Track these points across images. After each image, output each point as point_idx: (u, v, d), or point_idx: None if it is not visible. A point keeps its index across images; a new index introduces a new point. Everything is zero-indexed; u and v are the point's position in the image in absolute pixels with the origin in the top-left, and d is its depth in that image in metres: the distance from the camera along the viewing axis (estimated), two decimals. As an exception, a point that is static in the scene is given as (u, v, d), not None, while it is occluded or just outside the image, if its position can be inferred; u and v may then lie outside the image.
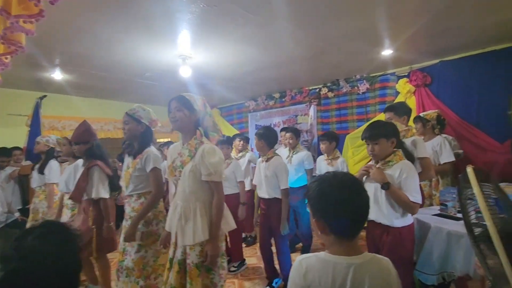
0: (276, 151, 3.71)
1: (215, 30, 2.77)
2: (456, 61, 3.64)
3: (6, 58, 1.80)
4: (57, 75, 3.90)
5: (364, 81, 4.44)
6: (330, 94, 4.87)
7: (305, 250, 3.58)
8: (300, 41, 3.08)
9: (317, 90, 5.04)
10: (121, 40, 2.92)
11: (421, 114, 3.13)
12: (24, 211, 4.02)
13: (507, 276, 0.79)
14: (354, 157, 4.52)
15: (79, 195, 2.31)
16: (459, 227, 1.81)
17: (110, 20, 2.51)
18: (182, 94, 1.70)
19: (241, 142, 3.88)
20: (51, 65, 3.61)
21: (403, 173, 1.66)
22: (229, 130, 6.46)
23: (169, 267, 1.67)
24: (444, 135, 3.02)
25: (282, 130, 4.05)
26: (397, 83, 4.11)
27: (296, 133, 3.61)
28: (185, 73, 3.46)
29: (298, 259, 0.92)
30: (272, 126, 5.72)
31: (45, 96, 4.78)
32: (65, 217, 2.68)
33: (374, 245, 1.79)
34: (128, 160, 2.14)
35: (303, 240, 3.63)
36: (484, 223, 0.87)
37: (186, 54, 3.31)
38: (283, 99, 5.58)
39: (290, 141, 3.49)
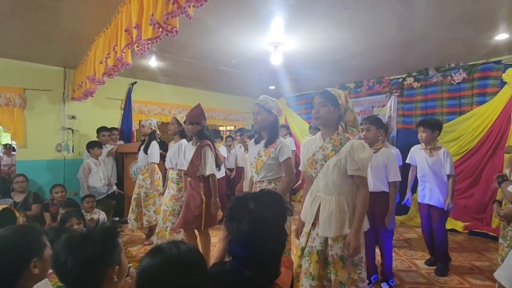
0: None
1: (316, 13, 2.70)
2: None
3: (151, 43, 1.99)
4: (153, 62, 4.22)
5: (461, 70, 4.04)
6: (415, 84, 4.54)
7: None
8: (404, 26, 2.90)
9: (400, 80, 4.74)
10: (221, 28, 3.02)
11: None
12: (119, 186, 4.52)
13: None
14: (441, 152, 4.18)
15: (193, 171, 2.51)
16: None
17: (218, 7, 2.56)
18: (326, 89, 1.68)
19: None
20: (149, 52, 3.90)
21: None
22: (296, 120, 6.45)
23: (300, 254, 1.70)
24: None
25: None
26: (503, 72, 3.67)
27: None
28: (276, 60, 3.49)
29: None
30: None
31: (135, 82, 5.24)
32: (172, 191, 2.92)
33: None
34: (257, 148, 2.24)
35: None
36: None
37: (279, 40, 3.33)
38: (359, 90, 5.36)
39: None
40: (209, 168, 2.48)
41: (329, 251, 1.59)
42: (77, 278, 0.86)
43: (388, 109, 4.90)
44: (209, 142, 2.57)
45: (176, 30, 1.71)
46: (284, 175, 2.21)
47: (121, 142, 4.93)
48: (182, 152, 2.86)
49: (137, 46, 2.06)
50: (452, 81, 4.14)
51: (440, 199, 2.75)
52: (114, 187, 4.39)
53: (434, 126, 2.77)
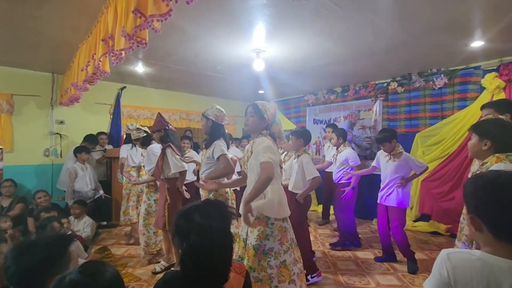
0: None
1: (294, 23, 2.78)
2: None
3: (125, 53, 2.04)
4: (139, 68, 4.28)
5: (442, 75, 4.12)
6: (399, 89, 4.61)
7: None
8: (381, 34, 2.97)
9: (385, 84, 4.81)
10: (204, 35, 3.08)
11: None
12: (106, 190, 4.55)
13: None
14: (424, 156, 4.25)
15: (158, 172, 2.74)
16: None
17: (200, 15, 2.64)
18: (256, 103, 1.95)
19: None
20: (136, 59, 3.96)
21: None
22: (286, 124, 6.50)
23: (237, 241, 1.98)
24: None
25: (327, 126, 4.49)
26: (482, 77, 3.75)
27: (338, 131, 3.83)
28: (259, 66, 3.55)
29: (445, 252, 0.86)
30: (332, 121, 5.63)
31: (124, 87, 5.29)
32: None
33: None
34: (204, 149, 2.62)
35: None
36: None
37: (260, 47, 3.39)
38: (345, 94, 5.43)
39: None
40: (173, 168, 2.70)
41: (247, 239, 1.84)
42: (19, 283, 0.90)
43: (374, 113, 4.97)
44: (170, 144, 2.81)
45: (145, 42, 1.76)
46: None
47: (110, 146, 4.97)
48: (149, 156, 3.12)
49: (113, 56, 2.11)
50: (434, 86, 4.22)
51: (399, 200, 2.91)
52: (101, 192, 4.43)
53: (391, 137, 2.96)
